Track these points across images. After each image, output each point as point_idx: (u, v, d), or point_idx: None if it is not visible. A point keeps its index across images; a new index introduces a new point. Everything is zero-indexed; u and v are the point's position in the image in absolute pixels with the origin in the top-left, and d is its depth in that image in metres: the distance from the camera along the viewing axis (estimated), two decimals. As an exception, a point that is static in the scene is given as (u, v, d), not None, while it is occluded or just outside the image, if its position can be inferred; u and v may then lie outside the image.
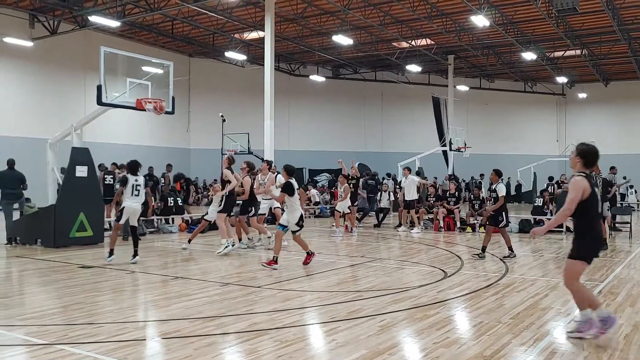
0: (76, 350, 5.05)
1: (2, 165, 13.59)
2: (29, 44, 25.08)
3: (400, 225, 18.11)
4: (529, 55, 28.63)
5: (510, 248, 11.40)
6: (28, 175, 13.79)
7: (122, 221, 10.52)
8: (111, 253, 10.28)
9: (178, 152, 32.63)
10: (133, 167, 10.64)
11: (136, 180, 10.40)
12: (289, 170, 10.29)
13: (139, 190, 10.36)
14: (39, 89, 26.56)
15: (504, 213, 11.30)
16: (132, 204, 10.30)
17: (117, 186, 12.44)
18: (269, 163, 14.13)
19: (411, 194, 17.10)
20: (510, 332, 5.76)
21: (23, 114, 25.66)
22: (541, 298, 7.47)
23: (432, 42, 29.84)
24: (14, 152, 16.05)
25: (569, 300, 7.35)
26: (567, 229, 16.56)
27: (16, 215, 13.49)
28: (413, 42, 29.31)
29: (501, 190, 11.23)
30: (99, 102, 12.16)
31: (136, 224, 10.69)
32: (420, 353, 5.21)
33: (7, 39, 24.14)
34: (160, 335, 5.82)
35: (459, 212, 17.37)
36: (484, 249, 11.33)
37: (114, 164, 16.74)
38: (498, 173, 11.54)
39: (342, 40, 25.91)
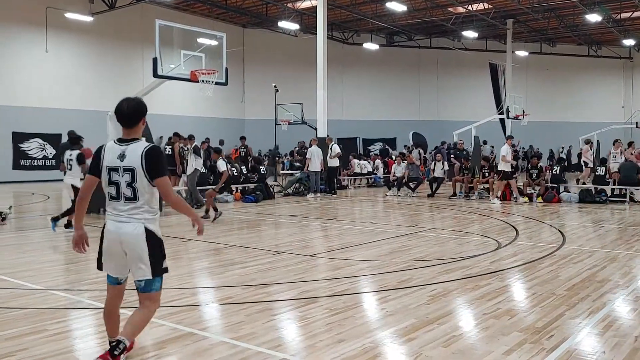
0: (135, 314, 5.28)
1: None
2: (88, 18, 25.76)
3: (454, 194, 17.91)
4: (593, 17, 27.32)
5: (207, 211, 12.41)
6: (91, 147, 14.28)
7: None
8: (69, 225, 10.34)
9: (233, 123, 33.07)
10: (72, 139, 10.87)
11: (70, 155, 10.48)
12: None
13: (71, 165, 10.41)
14: (98, 63, 27.35)
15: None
16: (66, 179, 10.52)
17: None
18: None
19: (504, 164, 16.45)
20: (564, 304, 5.64)
21: (84, 87, 26.55)
22: (599, 270, 7.27)
23: (490, 6, 28.84)
24: (76, 124, 16.66)
25: (628, 273, 7.15)
26: (631, 199, 15.99)
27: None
28: (469, 7, 28.43)
29: (221, 166, 12.53)
30: (155, 74, 12.42)
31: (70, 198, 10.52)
32: (470, 323, 5.19)
33: (68, 14, 24.88)
34: (214, 301, 6.01)
35: (516, 181, 16.97)
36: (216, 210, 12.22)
37: (175, 134, 16.90)
38: (217, 151, 13.20)
39: (396, 6, 25.42)
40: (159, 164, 3.87)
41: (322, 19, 20.86)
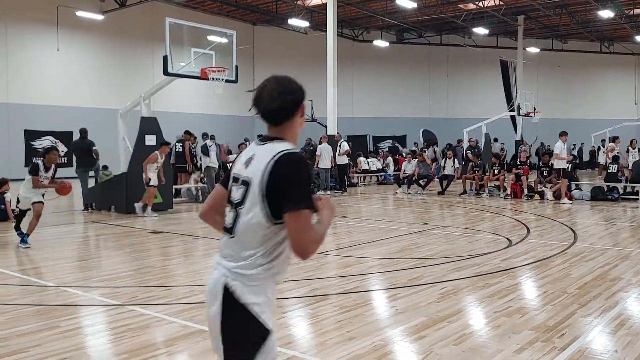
0: (145, 311, 5.31)
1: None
2: (99, 17, 25.87)
3: (465, 192, 17.85)
4: (605, 13, 27.05)
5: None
6: (102, 145, 14.39)
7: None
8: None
9: (243, 121, 33.12)
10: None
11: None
12: None
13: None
14: (109, 61, 27.47)
15: None
16: None
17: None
18: None
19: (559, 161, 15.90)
20: (576, 303, 5.61)
21: (95, 85, 26.68)
22: (611, 268, 7.21)
23: (501, 3, 28.65)
24: (88, 122, 16.76)
25: (640, 271, 7.10)
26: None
27: (92, 183, 14.17)
28: (480, 4, 28.27)
29: None
30: (165, 72, 12.47)
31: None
32: (481, 321, 5.17)
33: (80, 13, 25.00)
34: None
35: (527, 179, 16.87)
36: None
37: (186, 132, 16.91)
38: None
39: (406, 3, 25.31)
40: (298, 185, 2.19)
41: (332, 16, 20.83)
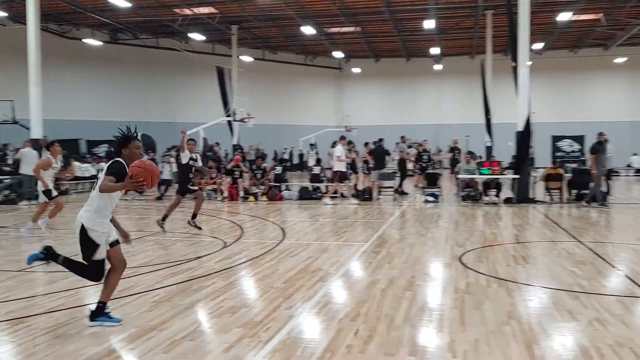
0: None
1: None
2: None
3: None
4: (307, 30, 29.81)
5: None
6: None
7: None
8: None
9: None
10: None
11: None
12: None
13: None
14: None
15: None
16: None
17: None
18: None
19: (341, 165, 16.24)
20: (281, 296, 6.02)
21: None
22: (313, 261, 7.94)
23: (216, 11, 29.47)
24: None
25: (337, 261, 7.96)
26: (342, 195, 17.85)
27: None
28: (196, 10, 28.65)
29: None
30: None
31: None
32: (192, 325, 5.19)
33: None
34: None
35: (242, 181, 17.65)
36: None
37: None
38: None
39: (119, 2, 24.30)
40: None
41: (34, 8, 18.93)
